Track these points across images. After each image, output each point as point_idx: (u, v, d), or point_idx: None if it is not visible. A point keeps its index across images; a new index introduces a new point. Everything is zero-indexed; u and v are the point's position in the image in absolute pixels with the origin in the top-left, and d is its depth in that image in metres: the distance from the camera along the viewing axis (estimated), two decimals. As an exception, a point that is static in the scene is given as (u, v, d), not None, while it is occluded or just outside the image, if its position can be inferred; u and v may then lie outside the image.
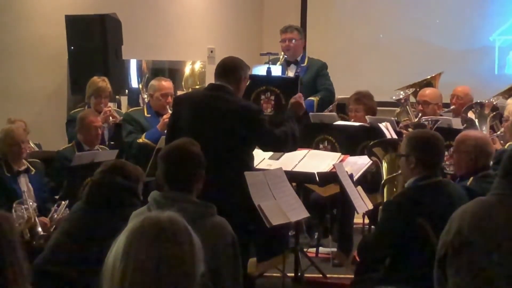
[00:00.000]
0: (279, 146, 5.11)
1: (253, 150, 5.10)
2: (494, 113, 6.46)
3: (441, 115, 6.89)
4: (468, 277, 3.19)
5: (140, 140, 6.24)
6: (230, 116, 4.85)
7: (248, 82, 5.18)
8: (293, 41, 7.16)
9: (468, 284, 3.19)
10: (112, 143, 6.57)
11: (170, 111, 6.57)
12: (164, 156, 3.65)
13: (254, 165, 5.20)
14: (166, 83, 6.58)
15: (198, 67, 9.25)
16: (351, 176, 5.42)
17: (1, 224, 2.19)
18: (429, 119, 6.31)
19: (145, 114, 6.49)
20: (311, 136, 6.45)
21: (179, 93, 8.55)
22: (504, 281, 3.13)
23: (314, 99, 6.97)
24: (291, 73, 7.04)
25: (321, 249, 6.55)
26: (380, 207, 4.36)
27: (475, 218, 3.24)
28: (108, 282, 2.03)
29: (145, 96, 6.80)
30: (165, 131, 6.13)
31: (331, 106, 7.27)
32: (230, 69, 5.00)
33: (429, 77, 7.90)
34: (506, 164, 3.34)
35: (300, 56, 7.27)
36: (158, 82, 6.59)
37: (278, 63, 6.92)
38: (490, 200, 3.30)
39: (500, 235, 3.17)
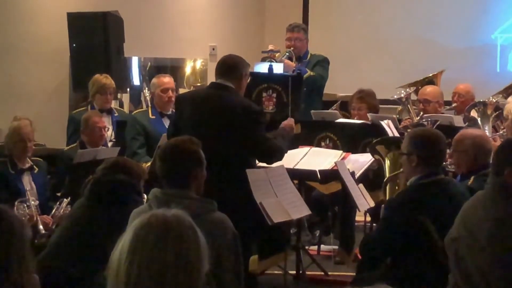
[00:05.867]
0: (268, 155, 5.03)
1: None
2: (497, 112, 6.46)
3: (442, 113, 6.89)
4: (457, 272, 3.21)
5: (144, 165, 6.13)
6: (231, 115, 4.85)
7: (248, 79, 5.18)
8: (298, 41, 7.18)
9: (457, 279, 3.21)
10: (114, 140, 6.57)
11: (173, 110, 6.59)
12: (161, 153, 3.66)
13: (256, 163, 5.20)
14: (166, 79, 6.59)
15: (199, 65, 9.25)
16: (352, 173, 5.42)
17: (12, 224, 2.20)
18: (429, 119, 6.30)
19: (150, 115, 6.49)
20: (313, 133, 6.45)
21: (181, 90, 8.57)
22: (485, 273, 3.14)
23: (309, 72, 6.98)
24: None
25: (322, 246, 6.55)
26: (382, 205, 4.37)
27: (464, 214, 3.26)
28: (113, 279, 2.03)
29: (147, 94, 6.81)
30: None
31: (334, 105, 7.27)
32: (230, 67, 5.00)
33: (431, 75, 7.91)
34: (494, 161, 3.37)
35: (304, 52, 7.29)
36: (158, 79, 6.61)
37: (279, 56, 6.93)
38: (479, 195, 3.33)
39: (485, 231, 3.18)
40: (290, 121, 5.43)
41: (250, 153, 4.98)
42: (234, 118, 4.84)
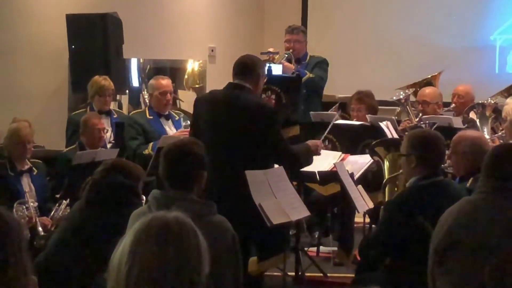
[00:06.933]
0: (284, 157, 5.06)
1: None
2: (495, 114, 6.46)
3: (441, 114, 6.90)
4: (457, 277, 3.20)
5: (146, 152, 6.22)
6: (247, 115, 4.88)
7: (265, 80, 5.21)
8: (298, 42, 7.19)
9: (456, 285, 3.21)
10: (113, 142, 6.57)
11: (171, 111, 6.61)
12: (165, 153, 3.66)
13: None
14: (164, 81, 6.59)
15: (198, 67, 9.25)
16: (351, 175, 5.42)
17: (9, 225, 2.20)
18: (427, 121, 6.31)
19: (147, 116, 6.50)
20: (312, 135, 6.44)
21: (180, 92, 8.59)
22: (493, 278, 3.14)
23: (308, 74, 7.00)
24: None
25: (322, 248, 6.55)
26: (382, 206, 4.37)
27: (461, 218, 3.26)
28: (113, 281, 2.03)
29: (146, 96, 6.82)
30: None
31: (334, 107, 7.28)
32: (248, 67, 5.03)
33: (429, 76, 7.92)
34: (488, 163, 3.37)
35: (303, 54, 7.29)
36: (156, 81, 6.61)
37: (278, 58, 6.94)
38: (475, 200, 3.32)
39: (486, 233, 3.19)
40: (317, 142, 5.35)
41: (267, 154, 4.99)
42: (250, 118, 4.87)
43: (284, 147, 4.99)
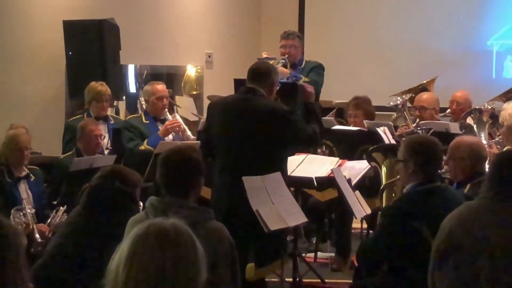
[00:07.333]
0: (311, 143, 5.32)
1: (287, 151, 5.13)
2: (492, 120, 6.47)
3: (438, 120, 6.90)
4: (456, 279, 3.21)
5: (142, 147, 6.26)
6: (262, 118, 4.91)
7: (278, 86, 5.25)
8: (293, 48, 7.19)
9: (455, 286, 3.21)
10: (110, 148, 6.57)
11: (167, 115, 6.62)
12: (163, 160, 3.65)
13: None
14: (160, 86, 6.62)
15: (195, 72, 9.26)
16: (349, 180, 5.42)
17: (6, 232, 2.19)
18: (423, 127, 6.32)
19: (144, 120, 6.52)
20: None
21: (177, 98, 8.58)
22: (490, 282, 3.15)
23: (303, 78, 7.02)
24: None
25: (319, 254, 6.55)
26: (379, 212, 4.37)
27: (463, 222, 3.27)
28: (111, 287, 2.02)
29: (143, 102, 6.82)
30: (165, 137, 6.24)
31: (331, 112, 7.28)
32: (263, 73, 5.08)
33: (424, 82, 7.93)
34: (493, 169, 3.38)
35: (298, 59, 7.30)
36: (151, 87, 6.64)
37: (273, 63, 6.94)
38: (477, 204, 3.33)
39: (487, 238, 3.20)
40: (307, 88, 5.52)
41: (282, 156, 5.08)
42: (265, 120, 4.89)
43: (308, 136, 5.08)
